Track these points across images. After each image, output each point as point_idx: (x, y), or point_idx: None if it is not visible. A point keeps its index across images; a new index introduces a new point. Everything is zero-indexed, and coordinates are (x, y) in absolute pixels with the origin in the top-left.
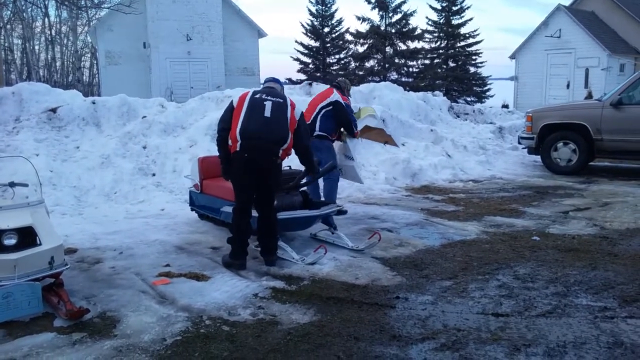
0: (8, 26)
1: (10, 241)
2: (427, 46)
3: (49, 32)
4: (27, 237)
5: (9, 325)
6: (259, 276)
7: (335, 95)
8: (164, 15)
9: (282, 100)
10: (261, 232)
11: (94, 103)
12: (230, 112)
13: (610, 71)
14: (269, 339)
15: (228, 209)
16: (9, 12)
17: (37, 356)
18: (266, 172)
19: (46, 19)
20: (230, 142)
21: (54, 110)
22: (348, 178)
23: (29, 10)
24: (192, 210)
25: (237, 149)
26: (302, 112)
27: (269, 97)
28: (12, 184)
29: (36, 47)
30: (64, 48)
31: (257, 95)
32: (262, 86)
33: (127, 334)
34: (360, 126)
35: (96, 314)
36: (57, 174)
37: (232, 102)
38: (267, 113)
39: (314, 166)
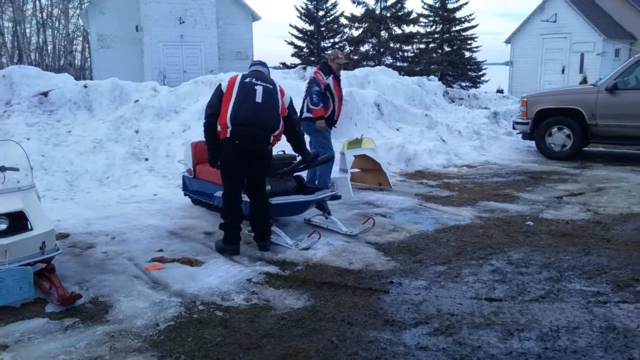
0: None
1: (1, 226)
2: (422, 30)
3: (40, 15)
4: (18, 222)
5: (0, 311)
6: (252, 261)
7: (312, 75)
8: None
9: (272, 86)
10: (254, 218)
11: (85, 87)
12: (219, 97)
13: (605, 56)
14: (263, 324)
15: (221, 193)
16: None
17: (29, 342)
18: (257, 158)
19: (37, 2)
20: (219, 127)
21: (45, 94)
22: (340, 190)
23: None
24: (185, 195)
25: (227, 135)
26: (290, 98)
27: (259, 82)
28: (2, 169)
29: (27, 30)
30: (56, 31)
31: (247, 80)
32: (249, 69)
33: (120, 319)
34: (358, 153)
35: (88, 299)
36: (48, 158)
37: (220, 85)
38: (259, 98)
39: (306, 153)
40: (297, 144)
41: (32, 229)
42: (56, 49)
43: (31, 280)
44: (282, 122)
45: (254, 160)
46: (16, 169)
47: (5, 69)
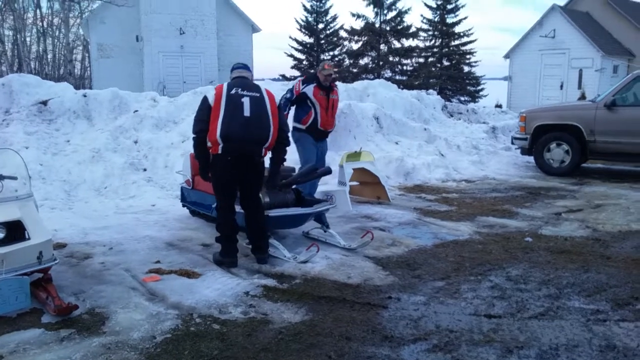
0: None
1: None
2: (421, 44)
3: (40, 24)
4: (15, 231)
5: None
6: (250, 274)
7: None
8: (157, 9)
9: (259, 95)
10: (251, 230)
11: (85, 96)
12: (207, 112)
13: (603, 72)
14: (260, 337)
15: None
16: (0, 3)
17: (24, 352)
18: (250, 171)
19: (38, 11)
20: (209, 143)
21: (44, 103)
22: (338, 203)
23: (21, 0)
24: (183, 206)
25: (219, 151)
26: (279, 102)
27: (245, 92)
28: (0, 177)
29: (27, 39)
30: (56, 40)
31: (233, 91)
32: (232, 76)
33: (116, 331)
34: (357, 166)
35: (85, 310)
36: (47, 167)
37: (206, 99)
38: (247, 112)
39: (280, 165)
40: (278, 143)
41: (29, 239)
42: (56, 58)
43: (28, 290)
44: (272, 131)
45: (246, 173)
46: (14, 178)
47: (5, 77)
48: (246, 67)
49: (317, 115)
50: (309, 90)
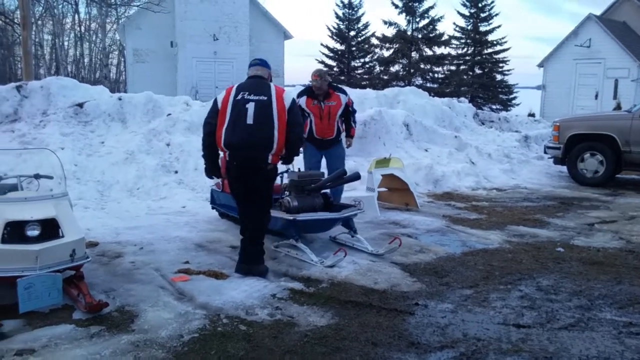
0: (39, 22)
1: (34, 232)
2: (453, 52)
3: (78, 29)
4: (50, 228)
5: (29, 316)
6: (277, 277)
7: None
8: (192, 15)
9: (265, 98)
10: (245, 235)
11: (120, 99)
12: (215, 115)
13: None
14: (286, 340)
15: None
16: (40, 8)
17: (55, 347)
18: (258, 178)
19: (76, 16)
20: (219, 150)
21: (80, 105)
22: (366, 208)
23: (60, 6)
24: (212, 208)
25: (227, 158)
26: (293, 99)
27: (251, 97)
28: (37, 176)
29: (65, 43)
30: (93, 45)
31: (240, 97)
32: (248, 73)
33: (145, 329)
34: (385, 172)
35: (115, 307)
36: (81, 168)
37: (215, 101)
38: (250, 120)
39: (291, 159)
40: (289, 143)
41: (63, 236)
42: (92, 62)
43: (60, 286)
44: (277, 136)
45: (253, 180)
46: (50, 177)
47: (44, 80)
48: (262, 64)
49: (312, 124)
50: (302, 101)
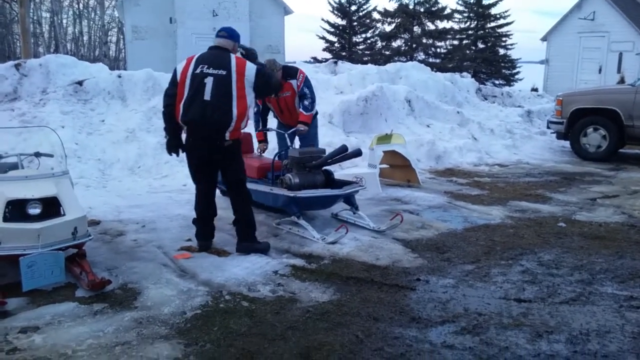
0: None
1: (35, 210)
2: (456, 26)
3: (76, 6)
4: (51, 207)
5: (32, 294)
6: (279, 254)
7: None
8: None
9: (225, 72)
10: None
11: (119, 77)
12: (174, 87)
13: None
14: (288, 315)
15: (250, 185)
16: None
17: (59, 325)
18: (215, 154)
19: None
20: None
21: (80, 83)
22: (368, 185)
23: None
24: None
25: (185, 133)
26: (257, 69)
27: (210, 70)
28: (37, 154)
29: (64, 21)
30: (91, 22)
31: (198, 70)
32: (212, 44)
33: (148, 306)
34: (387, 149)
35: (117, 285)
36: (82, 146)
37: (175, 71)
38: (207, 95)
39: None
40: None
41: (64, 215)
42: (91, 40)
43: (62, 265)
44: (236, 112)
45: (212, 155)
46: (51, 156)
47: (43, 58)
48: (229, 36)
49: (276, 116)
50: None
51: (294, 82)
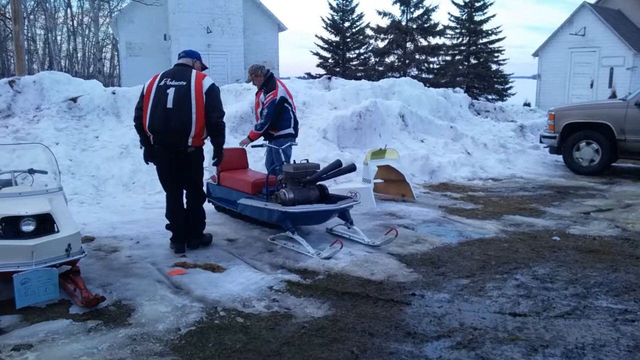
0: (31, 16)
1: (29, 227)
2: (448, 42)
3: (71, 23)
4: (45, 223)
5: (25, 311)
6: (274, 269)
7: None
8: (185, 8)
9: (185, 83)
10: (189, 216)
11: (114, 93)
12: (141, 100)
13: (635, 71)
14: (283, 331)
15: (245, 201)
16: (32, 2)
17: (53, 342)
18: (181, 161)
19: (68, 10)
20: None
21: (74, 100)
22: (362, 200)
23: (52, 0)
24: (208, 202)
25: (152, 142)
26: (212, 84)
27: (172, 82)
28: (31, 171)
29: (58, 38)
30: (86, 39)
31: (162, 82)
32: (176, 63)
33: (142, 322)
34: (381, 164)
35: (112, 302)
36: (76, 162)
37: (143, 87)
38: (169, 104)
39: (219, 148)
40: (210, 131)
41: (58, 231)
42: (86, 56)
43: (56, 281)
44: (195, 119)
45: (180, 162)
46: (45, 172)
47: (37, 75)
48: (190, 55)
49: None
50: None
51: (263, 96)
